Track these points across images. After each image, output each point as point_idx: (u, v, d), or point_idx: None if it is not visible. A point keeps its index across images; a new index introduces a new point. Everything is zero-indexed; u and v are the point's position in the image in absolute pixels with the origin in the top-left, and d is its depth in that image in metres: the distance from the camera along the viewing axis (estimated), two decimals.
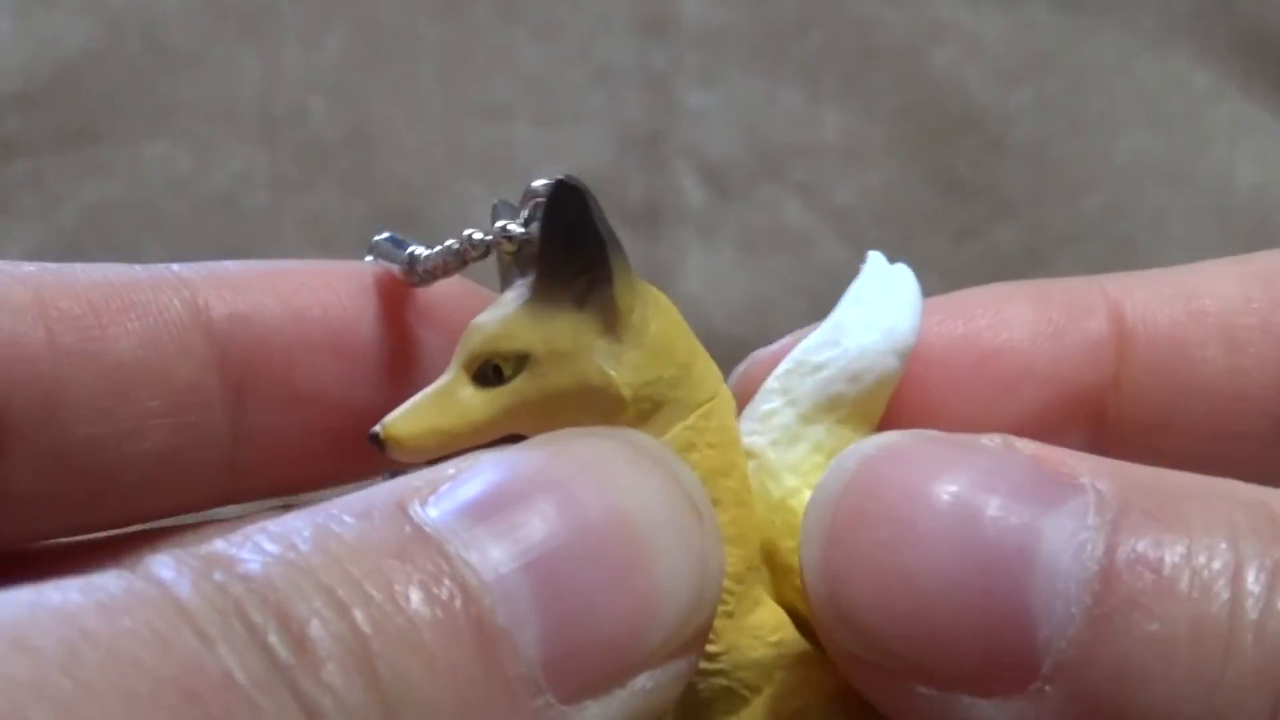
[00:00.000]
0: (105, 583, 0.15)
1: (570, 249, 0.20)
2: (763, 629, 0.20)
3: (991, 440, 0.18)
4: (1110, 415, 0.22)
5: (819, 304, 0.23)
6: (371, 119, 0.51)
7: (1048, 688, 0.17)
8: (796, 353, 0.22)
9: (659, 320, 0.20)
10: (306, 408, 0.24)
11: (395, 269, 0.24)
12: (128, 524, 0.24)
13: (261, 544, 0.16)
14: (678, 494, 0.18)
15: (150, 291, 0.23)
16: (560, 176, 0.19)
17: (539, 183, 0.21)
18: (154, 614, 0.15)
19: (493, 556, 0.17)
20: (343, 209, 0.51)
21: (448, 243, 0.23)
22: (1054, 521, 0.17)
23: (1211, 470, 0.19)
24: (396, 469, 0.24)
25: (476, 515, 0.17)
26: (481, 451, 0.19)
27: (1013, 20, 0.52)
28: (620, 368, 0.20)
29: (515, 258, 0.22)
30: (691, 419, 0.20)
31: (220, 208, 0.51)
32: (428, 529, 0.17)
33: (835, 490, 0.18)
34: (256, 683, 0.15)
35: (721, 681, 0.20)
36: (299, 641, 0.15)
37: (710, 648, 0.19)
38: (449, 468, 0.18)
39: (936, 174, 0.51)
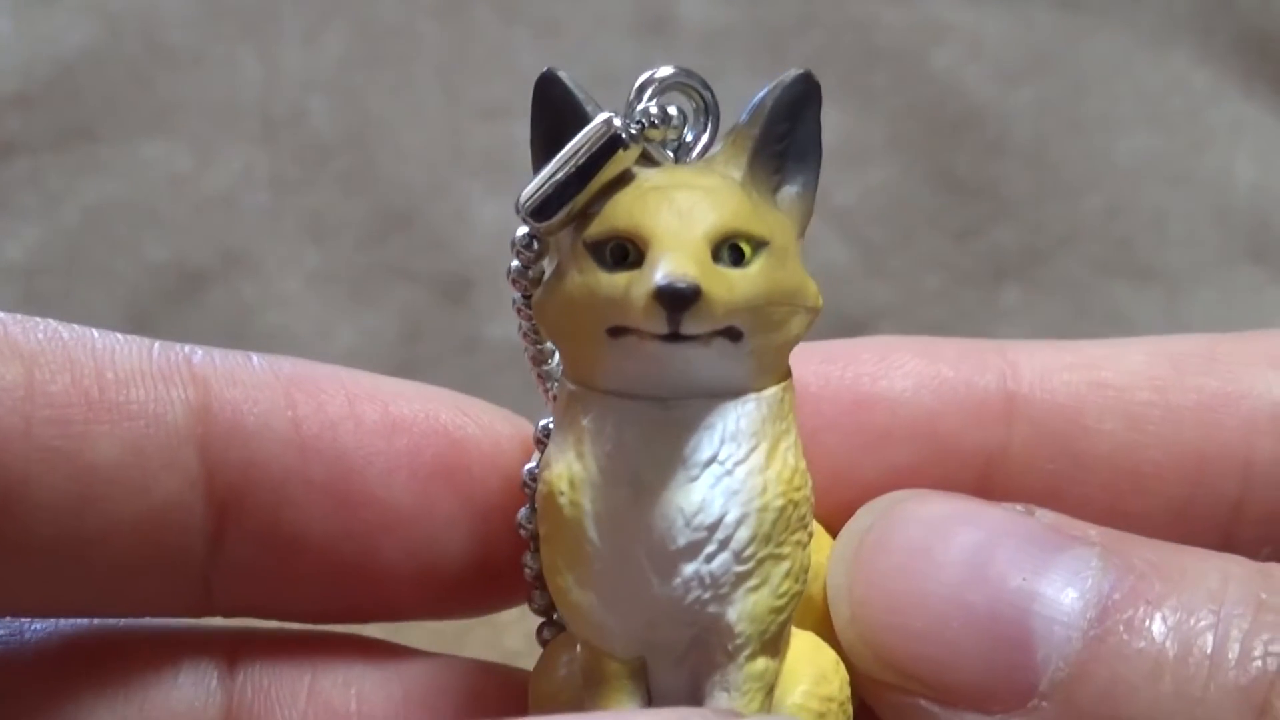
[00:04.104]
0: None
1: (795, 144, 0.19)
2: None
3: (1014, 507, 0.20)
4: (997, 480, 0.21)
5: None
6: (371, 119, 0.51)
7: (1044, 704, 0.18)
8: None
9: None
10: (291, 549, 0.21)
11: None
12: (95, 616, 0.22)
13: None
14: None
15: (153, 386, 0.20)
16: (802, 70, 0.19)
17: (663, 72, 0.21)
18: None
19: None
20: (343, 209, 0.51)
21: (598, 117, 0.20)
22: (1059, 560, 0.19)
23: None
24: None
25: None
26: None
27: (1013, 20, 0.52)
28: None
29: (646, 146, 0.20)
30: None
31: (220, 208, 0.51)
32: None
33: (864, 523, 0.20)
34: None
35: None
36: None
37: None
38: None
39: (936, 174, 0.51)
